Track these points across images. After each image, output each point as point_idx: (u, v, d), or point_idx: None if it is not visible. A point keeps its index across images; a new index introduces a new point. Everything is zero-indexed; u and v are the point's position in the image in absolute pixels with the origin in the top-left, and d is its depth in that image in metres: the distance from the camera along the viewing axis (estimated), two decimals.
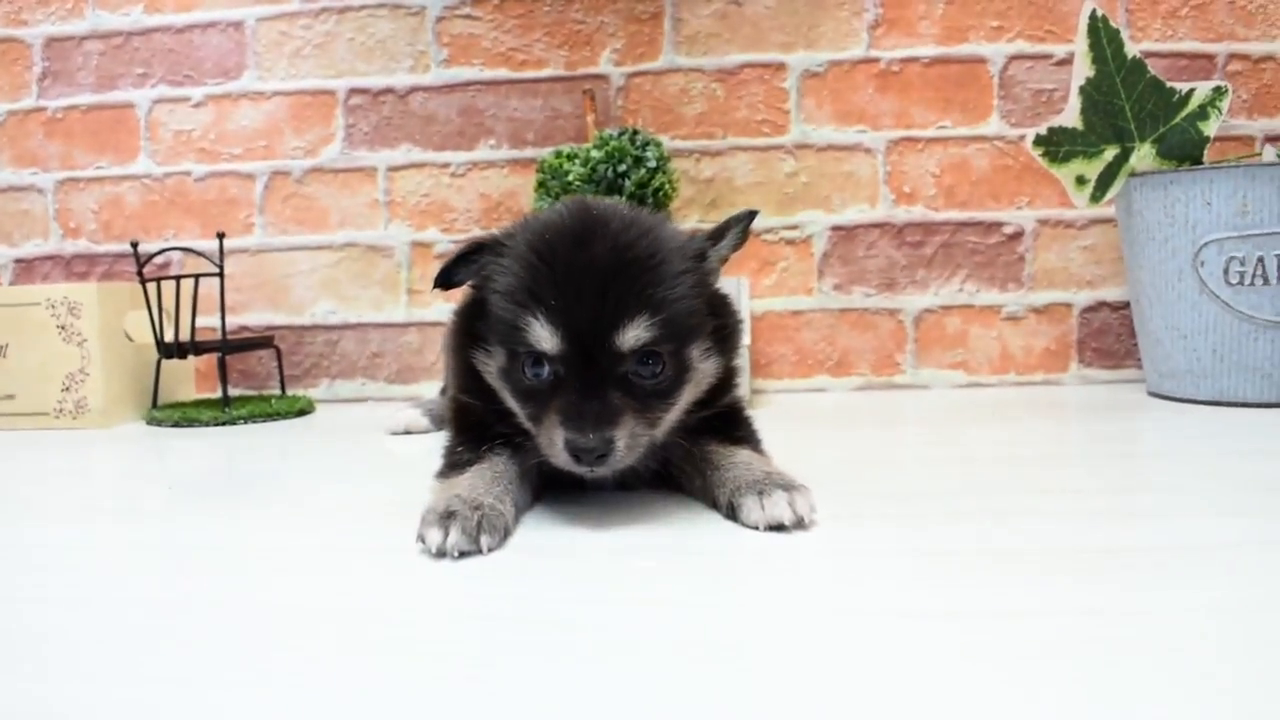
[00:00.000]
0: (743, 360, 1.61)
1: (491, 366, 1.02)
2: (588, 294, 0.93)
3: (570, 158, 1.82)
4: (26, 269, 2.29)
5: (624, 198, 1.76)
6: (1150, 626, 0.66)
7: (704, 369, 1.03)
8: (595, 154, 1.79)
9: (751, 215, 1.08)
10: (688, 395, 1.02)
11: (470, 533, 0.87)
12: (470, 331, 1.05)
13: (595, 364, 0.94)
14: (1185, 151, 1.76)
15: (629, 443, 0.93)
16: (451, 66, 2.15)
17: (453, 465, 1.04)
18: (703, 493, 1.04)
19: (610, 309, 0.92)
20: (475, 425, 1.07)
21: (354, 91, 2.18)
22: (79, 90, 2.25)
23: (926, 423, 1.70)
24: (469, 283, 1.06)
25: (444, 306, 2.08)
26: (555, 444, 0.93)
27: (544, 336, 0.93)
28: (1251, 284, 1.65)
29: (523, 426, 1.02)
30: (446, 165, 2.16)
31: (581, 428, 0.91)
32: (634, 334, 0.93)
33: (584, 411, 0.92)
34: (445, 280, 1.03)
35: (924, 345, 2.11)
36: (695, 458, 1.05)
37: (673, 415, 1.01)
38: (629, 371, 0.95)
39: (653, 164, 1.80)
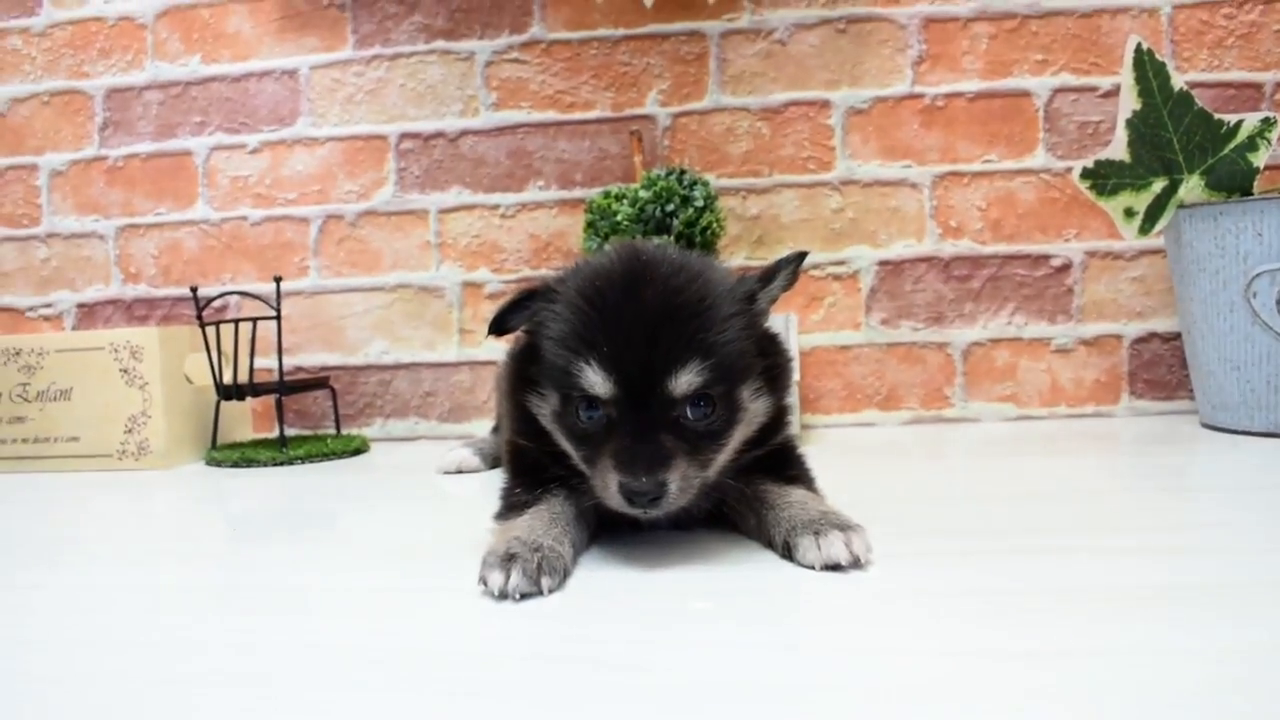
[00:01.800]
0: (793, 397, 1.62)
1: (545, 410, 1.04)
2: (638, 339, 0.94)
3: (618, 198, 1.84)
4: (89, 313, 2.35)
5: (672, 237, 1.78)
6: (1210, 664, 0.66)
7: (754, 409, 1.04)
8: (643, 194, 1.81)
9: (801, 256, 1.09)
10: (739, 435, 1.03)
11: (531, 575, 0.89)
12: (524, 375, 1.07)
13: (647, 408, 0.95)
14: (1234, 183, 1.76)
15: (681, 485, 0.95)
16: (500, 110, 2.19)
17: (511, 507, 1.05)
18: (758, 532, 1.05)
19: (662, 354, 0.94)
20: (531, 467, 1.09)
21: (405, 136, 2.22)
22: (139, 139, 2.31)
23: (977, 456, 1.70)
24: (522, 328, 1.08)
25: (495, 346, 2.11)
26: (609, 487, 0.95)
27: (597, 381, 0.95)
28: None
29: (578, 468, 1.03)
30: (496, 207, 2.20)
31: (635, 471, 0.93)
32: (685, 379, 0.94)
33: (636, 455, 0.94)
34: (499, 327, 1.05)
35: (973, 379, 2.11)
36: (749, 497, 1.06)
37: (724, 456, 1.02)
38: (680, 415, 0.97)
39: (700, 203, 1.82)
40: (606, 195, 1.87)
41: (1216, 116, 1.75)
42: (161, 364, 1.93)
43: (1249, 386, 1.71)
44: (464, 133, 2.20)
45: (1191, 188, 1.78)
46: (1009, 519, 1.17)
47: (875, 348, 2.12)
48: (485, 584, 0.89)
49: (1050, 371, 2.10)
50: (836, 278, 2.12)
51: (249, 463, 1.89)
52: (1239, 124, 1.74)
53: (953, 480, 1.50)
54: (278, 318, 1.97)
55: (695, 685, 0.67)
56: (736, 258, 2.11)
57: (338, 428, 2.14)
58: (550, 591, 0.89)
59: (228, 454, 1.93)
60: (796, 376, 1.86)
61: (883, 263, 2.12)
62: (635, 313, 0.96)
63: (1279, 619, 0.76)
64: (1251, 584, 0.86)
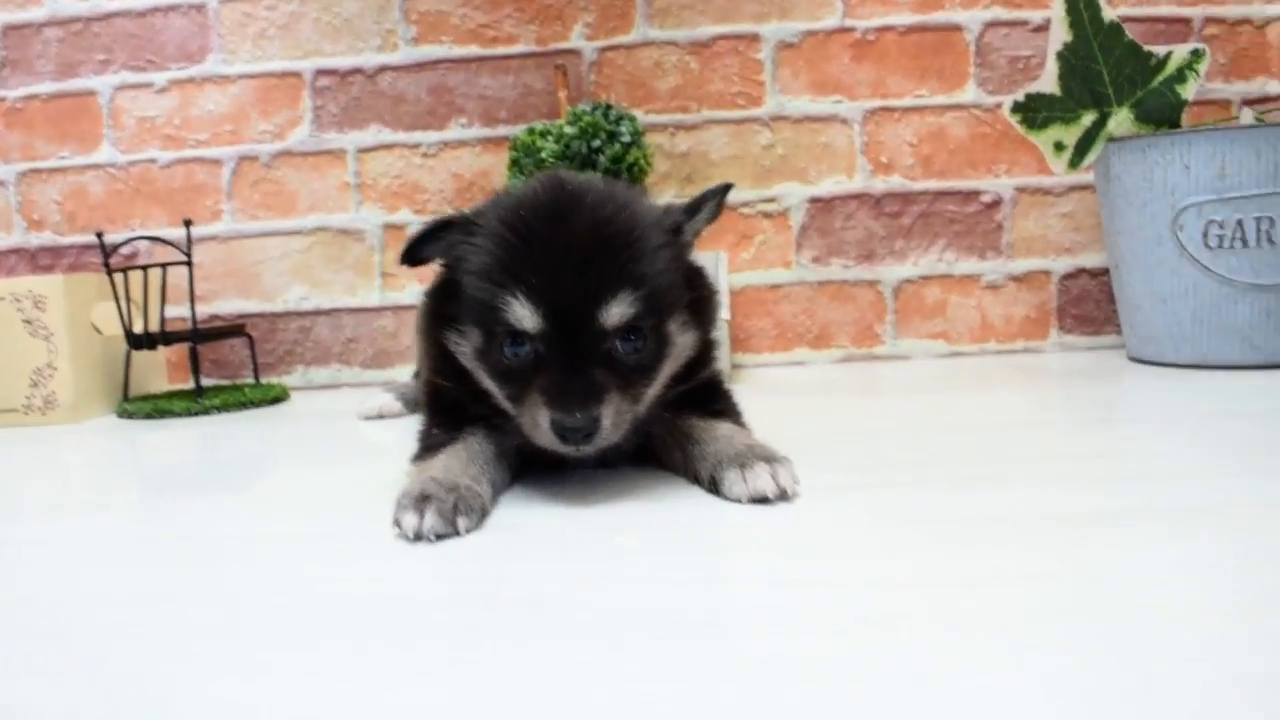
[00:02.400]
0: (722, 335, 1.59)
1: (466, 348, 1.00)
2: (569, 271, 0.91)
3: (543, 135, 1.79)
4: None
5: (599, 173, 1.74)
6: (1136, 588, 0.66)
7: (682, 342, 1.01)
8: (569, 130, 1.77)
9: (726, 188, 1.07)
10: (668, 369, 1.01)
11: (446, 515, 0.85)
12: (441, 313, 1.03)
13: (577, 341, 0.92)
14: (1163, 115, 1.75)
15: (614, 420, 0.92)
16: (420, 45, 2.11)
17: (428, 448, 1.02)
18: (684, 467, 1.02)
19: (593, 285, 0.91)
20: (449, 407, 1.05)
21: (321, 73, 2.14)
22: (39, 79, 2.20)
23: (908, 393, 1.69)
24: (439, 262, 1.04)
25: (418, 289, 2.05)
26: (540, 424, 0.92)
27: (524, 315, 0.91)
28: (1230, 247, 1.64)
29: (499, 407, 1.00)
30: (417, 146, 2.13)
31: (567, 407, 0.90)
32: (618, 310, 0.92)
33: (568, 390, 0.91)
34: (411, 256, 1.01)
35: (904, 316, 2.10)
36: (676, 432, 1.04)
37: (654, 390, 1.00)
38: (611, 348, 0.94)
39: (627, 139, 1.78)
40: (531, 132, 1.82)
41: (1146, 49, 1.74)
42: (67, 313, 1.85)
43: (1175, 319, 1.72)
44: (383, 69, 2.13)
45: (1121, 120, 1.77)
46: (939, 452, 1.17)
47: (806, 286, 2.10)
48: (399, 526, 0.86)
49: (980, 308, 2.09)
50: (767, 215, 2.09)
51: (163, 414, 1.83)
52: (1168, 56, 1.73)
53: (884, 416, 1.49)
54: (189, 263, 1.90)
55: (619, 621, 0.64)
56: (665, 195, 2.07)
57: (256, 377, 2.08)
58: (467, 532, 0.86)
59: (140, 405, 1.86)
60: (726, 315, 1.84)
61: (813, 200, 2.09)
62: (564, 243, 0.92)
63: (1205, 541, 0.76)
64: (1179, 508, 0.86)
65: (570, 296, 0.91)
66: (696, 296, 1.04)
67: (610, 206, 0.96)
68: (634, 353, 0.95)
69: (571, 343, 0.92)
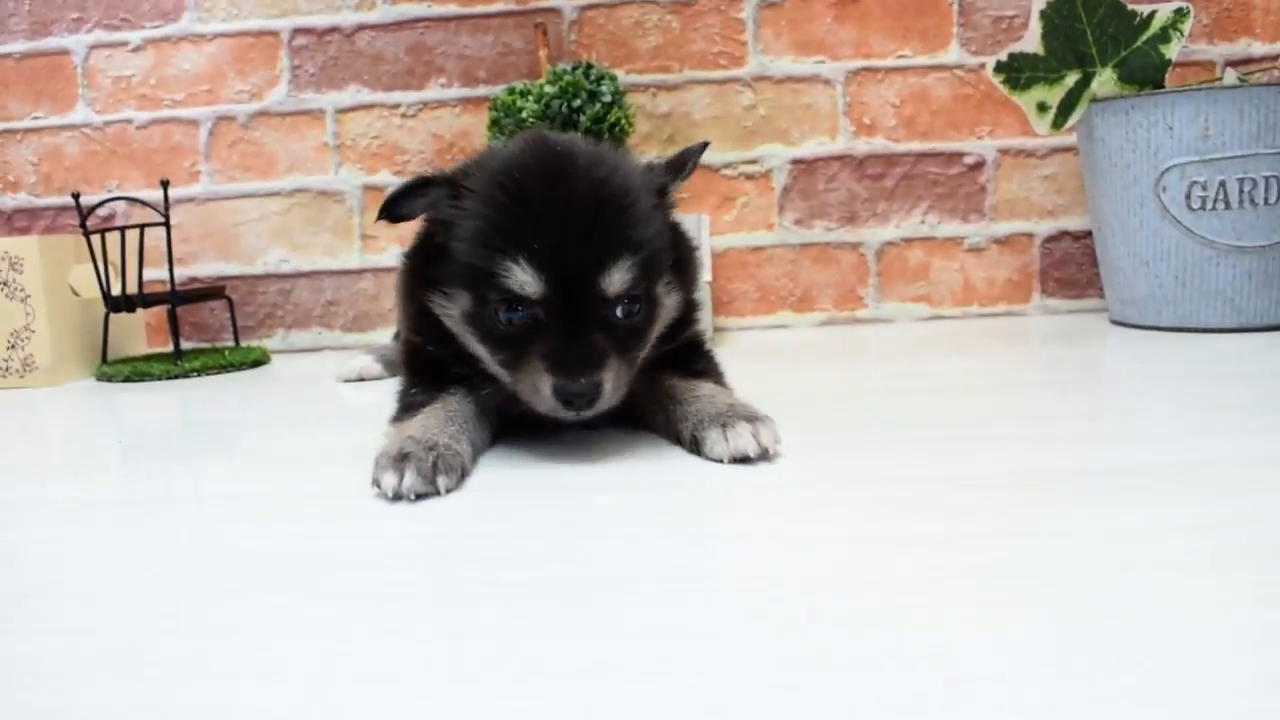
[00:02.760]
0: (704, 297, 1.59)
1: (453, 311, 0.98)
2: (571, 236, 0.90)
3: (524, 94, 1.78)
4: None
5: (579, 133, 1.72)
6: (1120, 546, 0.66)
7: (668, 303, 1.02)
8: (549, 90, 1.75)
9: (703, 146, 1.08)
10: (656, 330, 1.01)
11: (426, 474, 0.85)
12: (424, 275, 1.01)
13: (578, 307, 0.92)
14: (1146, 75, 1.74)
15: (614, 384, 0.93)
16: (399, 3, 2.09)
17: (407, 408, 1.02)
18: (665, 428, 1.02)
19: (595, 251, 0.91)
20: (428, 367, 1.05)
21: (298, 31, 2.11)
22: (11, 38, 2.16)
23: (890, 356, 1.69)
24: (421, 219, 1.02)
25: (398, 250, 2.03)
26: (540, 390, 0.92)
27: (526, 281, 0.90)
28: (1213, 209, 1.64)
29: (480, 368, 0.99)
30: (397, 106, 2.11)
31: (571, 373, 0.90)
32: (619, 276, 0.92)
33: (571, 356, 0.91)
34: (390, 211, 0.99)
35: (886, 279, 2.10)
36: (657, 393, 1.04)
37: (644, 351, 1.00)
38: (609, 313, 0.94)
39: (608, 99, 1.76)
40: (511, 92, 1.80)
41: (1130, 7, 1.73)
42: (44, 276, 1.83)
43: (1157, 282, 1.72)
44: (360, 27, 2.10)
45: (1104, 81, 1.76)
46: (921, 413, 1.17)
47: (788, 248, 2.10)
48: (378, 486, 0.85)
49: (963, 271, 2.09)
50: (749, 177, 2.08)
51: (142, 376, 1.81)
52: (1152, 15, 1.72)
53: (866, 379, 1.50)
54: (166, 224, 1.88)
55: (599, 580, 0.64)
56: (647, 156, 2.04)
57: (236, 339, 2.06)
58: (447, 491, 0.86)
59: (119, 368, 1.84)
60: (708, 277, 1.84)
61: (796, 161, 2.08)
62: (564, 208, 0.91)
63: (1189, 500, 0.76)
64: (1162, 467, 0.86)
65: (573, 262, 0.91)
66: (679, 257, 1.04)
67: (604, 169, 0.95)
68: (629, 316, 0.95)
69: (572, 308, 0.92)
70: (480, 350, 0.98)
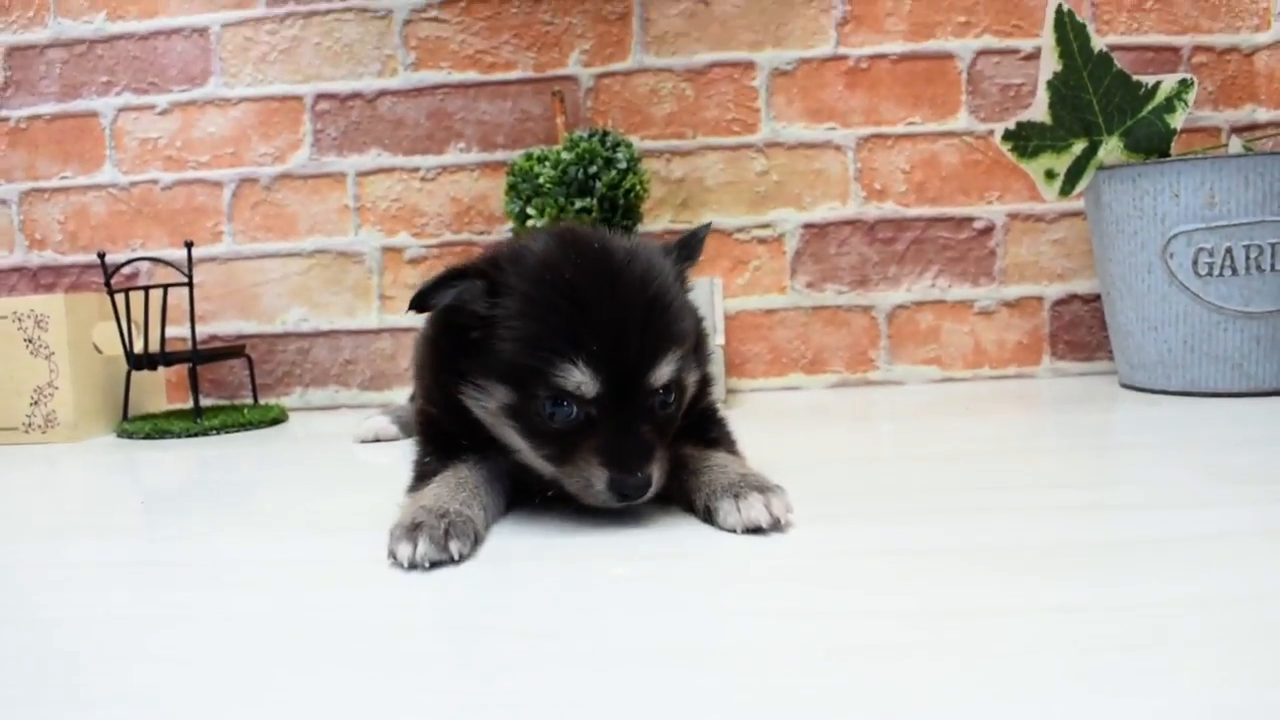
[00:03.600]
0: (717, 360, 1.61)
1: (489, 404, 0.98)
2: (625, 335, 0.93)
3: (541, 160, 1.81)
4: None
5: (595, 200, 1.76)
6: (1132, 621, 0.66)
7: (690, 382, 1.04)
8: (565, 156, 1.79)
9: (707, 228, 1.13)
10: (682, 411, 1.04)
11: (438, 541, 0.86)
12: (450, 367, 1.01)
13: (628, 402, 0.95)
14: (1153, 144, 1.77)
15: (660, 472, 0.96)
16: (419, 70, 2.14)
17: (421, 476, 1.03)
18: (679, 496, 1.03)
19: (647, 349, 0.95)
20: (443, 435, 1.06)
21: (321, 97, 2.16)
22: (42, 99, 2.22)
23: (901, 419, 1.71)
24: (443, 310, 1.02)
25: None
26: (594, 484, 0.94)
27: (583, 381, 0.92)
28: (1220, 275, 1.66)
29: (494, 438, 1.01)
30: (416, 169, 2.15)
31: (629, 467, 0.93)
32: (666, 370, 0.96)
33: (626, 451, 0.94)
34: (422, 303, 0.98)
35: (897, 341, 2.12)
36: (672, 461, 1.05)
37: (673, 432, 1.03)
38: (653, 404, 0.97)
39: (623, 165, 1.80)
40: (529, 157, 1.84)
41: (1135, 78, 1.76)
42: (68, 333, 1.86)
43: (1166, 346, 1.74)
44: (382, 93, 2.15)
45: (1111, 149, 1.79)
46: (932, 479, 1.18)
47: (800, 311, 2.12)
48: (394, 558, 0.87)
49: (973, 333, 2.11)
50: (761, 241, 2.11)
51: (162, 434, 1.84)
52: (1157, 86, 1.75)
53: (877, 442, 1.51)
54: (190, 284, 1.91)
55: (614, 652, 0.65)
56: (661, 221, 2.09)
57: (255, 397, 2.09)
58: (461, 556, 0.87)
59: (140, 425, 1.87)
60: (721, 340, 1.86)
61: (807, 226, 2.11)
62: (618, 309, 0.94)
63: (1201, 574, 0.76)
64: (1172, 539, 0.86)
65: (628, 362, 0.94)
66: (696, 336, 1.07)
67: (641, 264, 0.98)
68: (668, 405, 0.99)
69: (623, 405, 0.94)
70: (519, 443, 0.99)
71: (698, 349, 1.06)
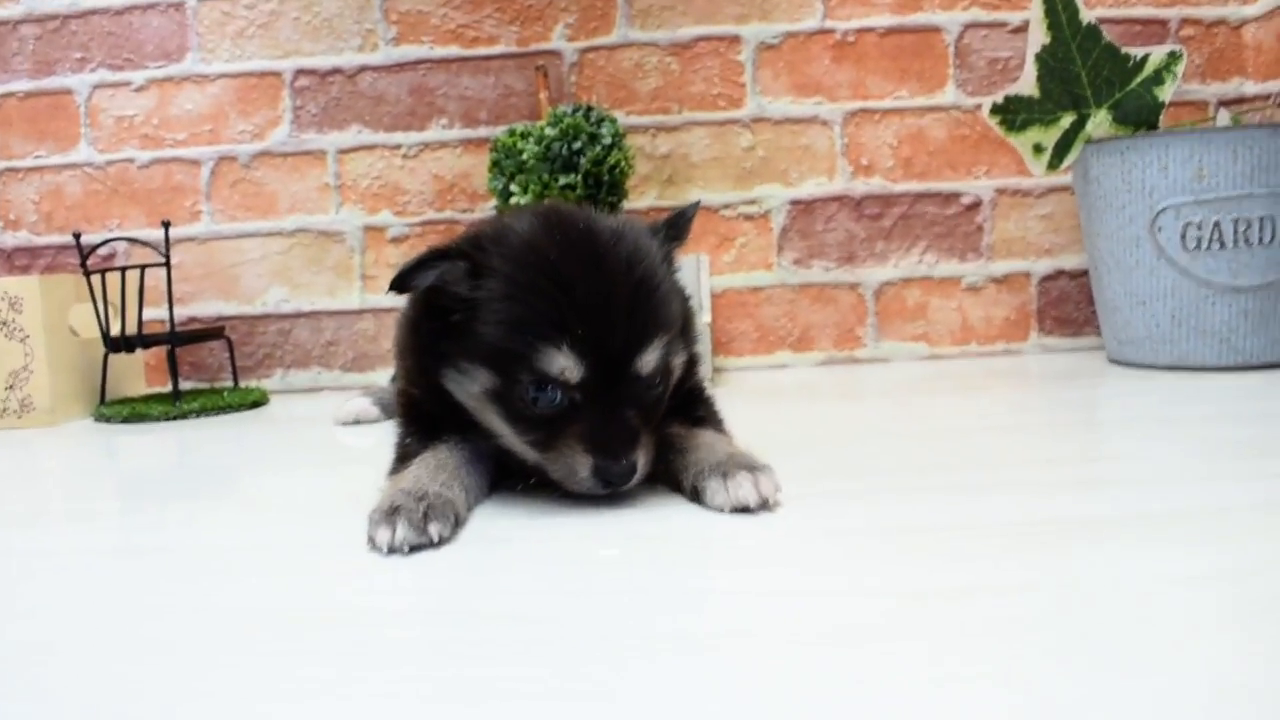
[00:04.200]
0: (704, 338, 1.59)
1: (472, 388, 0.97)
2: (612, 320, 0.92)
3: (524, 136, 1.79)
4: None
5: (579, 176, 1.73)
6: (1125, 596, 0.66)
7: (678, 365, 1.02)
8: (549, 132, 1.76)
9: (696, 206, 1.10)
10: (669, 394, 1.02)
11: (417, 525, 0.85)
12: (432, 350, 1.00)
13: (613, 388, 0.93)
14: (1141, 117, 1.76)
15: (646, 458, 0.95)
16: (400, 45, 2.11)
17: (401, 458, 1.02)
18: (666, 476, 1.02)
19: (634, 334, 0.93)
20: (424, 416, 1.05)
21: (301, 72, 2.13)
22: (15, 76, 2.18)
23: (889, 396, 1.70)
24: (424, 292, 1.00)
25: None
26: (578, 471, 0.92)
27: (568, 366, 0.91)
28: (1208, 249, 1.65)
29: (476, 421, 0.99)
30: (398, 146, 2.12)
31: (613, 454, 0.91)
32: (651, 356, 0.94)
33: (611, 436, 0.92)
34: (402, 285, 0.96)
35: (885, 318, 2.11)
36: (658, 442, 1.03)
37: (660, 416, 1.01)
38: (638, 390, 0.95)
39: (608, 141, 1.77)
40: (512, 133, 1.81)
41: (1124, 50, 1.75)
42: (44, 315, 1.83)
43: (1154, 321, 1.73)
44: (363, 69, 2.12)
45: (1099, 122, 1.78)
46: (920, 457, 1.17)
47: (787, 288, 2.10)
48: (373, 543, 0.85)
49: (961, 310, 2.10)
50: (748, 217, 2.09)
51: (140, 418, 1.81)
52: (1145, 58, 1.74)
53: (865, 420, 1.50)
54: (167, 265, 1.88)
55: (601, 635, 0.64)
56: (646, 198, 2.07)
57: (235, 380, 2.07)
58: (441, 539, 0.85)
59: (118, 409, 1.84)
60: (707, 318, 1.85)
61: (794, 202, 2.09)
62: (603, 292, 0.92)
63: (1193, 548, 0.76)
64: (1163, 514, 0.86)
65: (614, 347, 0.92)
66: (684, 318, 1.05)
67: (628, 246, 0.96)
68: (654, 389, 0.97)
69: (608, 390, 0.93)
70: (503, 428, 0.97)
71: (685, 330, 1.04)
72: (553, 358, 0.90)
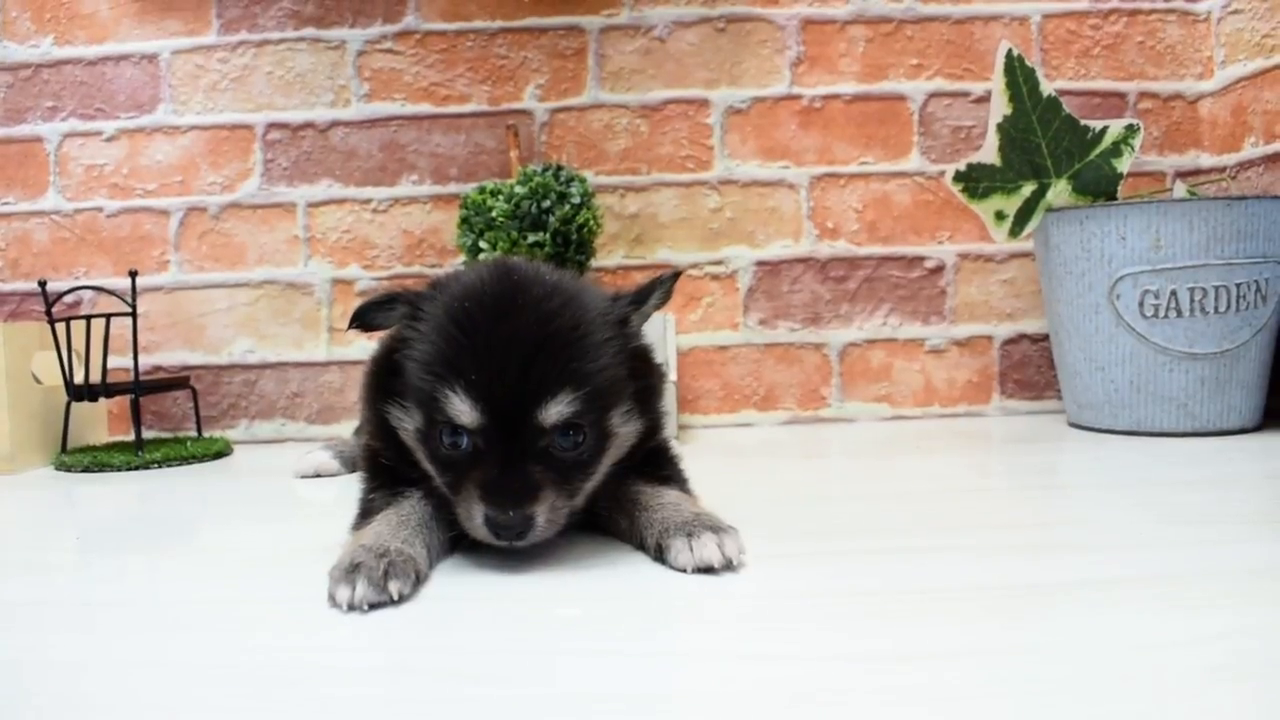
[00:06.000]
0: (669, 396, 1.60)
1: (408, 426, 0.99)
2: (509, 368, 0.91)
3: (494, 194, 1.80)
4: None
5: (548, 234, 1.75)
6: (1081, 662, 0.66)
7: (625, 433, 1.02)
8: (519, 190, 1.78)
9: (675, 276, 1.07)
10: (609, 460, 1.01)
11: (377, 583, 0.84)
12: (385, 387, 1.02)
13: (515, 437, 0.93)
14: (1100, 187, 1.80)
15: (549, 517, 0.93)
16: (373, 101, 2.12)
17: (365, 513, 1.01)
18: (629, 534, 1.02)
19: (533, 384, 0.91)
20: (387, 470, 1.05)
21: (273, 126, 2.14)
22: None
23: (853, 456, 1.71)
24: (385, 329, 1.04)
25: (366, 345, 2.04)
26: (474, 518, 0.92)
27: (463, 410, 0.92)
28: (1165, 316, 1.69)
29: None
30: (368, 201, 2.13)
31: (501, 504, 0.91)
32: (556, 409, 0.92)
33: (504, 487, 0.91)
34: (360, 322, 1.01)
35: (849, 379, 2.12)
36: (622, 499, 1.04)
37: (594, 483, 1.00)
38: (550, 444, 0.94)
39: (577, 200, 1.79)
40: (482, 191, 1.83)
41: (1083, 122, 1.79)
42: (6, 362, 1.81)
43: (1113, 386, 1.76)
44: (334, 124, 2.13)
45: (1059, 192, 1.82)
46: (882, 519, 1.18)
47: (753, 348, 2.12)
48: (334, 600, 0.84)
49: (924, 372, 2.12)
50: (715, 278, 2.11)
51: (101, 467, 1.79)
52: (1104, 130, 1.79)
53: (828, 480, 1.51)
54: (133, 314, 1.87)
55: (560, 696, 0.64)
56: (614, 256, 2.09)
57: (199, 430, 2.05)
58: (401, 597, 0.85)
59: (79, 458, 1.82)
60: (673, 376, 1.85)
61: (760, 263, 2.12)
62: (505, 339, 0.92)
63: (1150, 615, 0.77)
64: (1117, 580, 0.87)
65: (509, 394, 0.91)
66: (643, 385, 1.04)
67: (556, 301, 0.96)
68: (573, 449, 0.95)
69: (509, 439, 0.92)
70: (430, 469, 0.99)
71: (644, 397, 1.04)
72: (450, 400, 0.92)
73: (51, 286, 1.89)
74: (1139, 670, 0.65)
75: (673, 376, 1.88)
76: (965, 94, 2.11)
